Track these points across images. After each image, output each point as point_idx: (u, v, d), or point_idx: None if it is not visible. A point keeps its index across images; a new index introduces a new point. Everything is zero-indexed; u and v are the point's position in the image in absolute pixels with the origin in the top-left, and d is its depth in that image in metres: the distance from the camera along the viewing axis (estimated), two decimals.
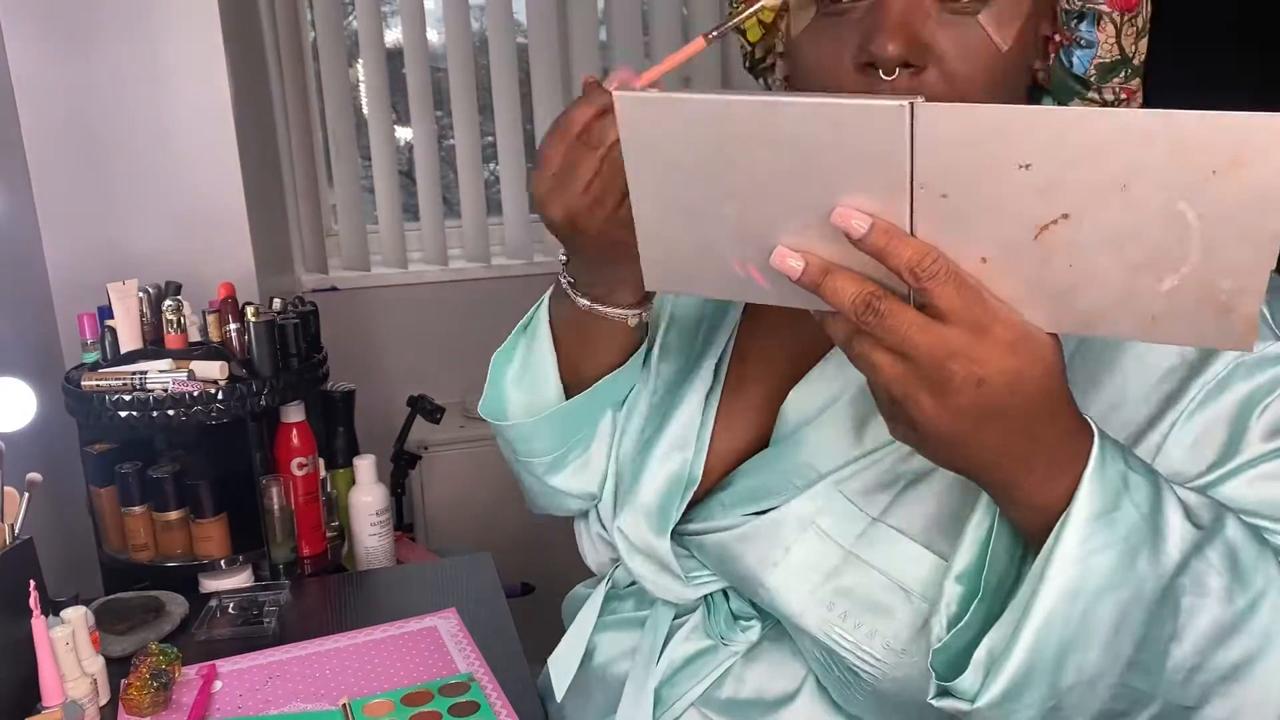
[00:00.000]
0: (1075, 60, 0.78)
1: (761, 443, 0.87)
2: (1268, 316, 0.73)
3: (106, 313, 1.39)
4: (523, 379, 0.94)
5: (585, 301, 0.86)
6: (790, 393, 0.85)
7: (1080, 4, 0.76)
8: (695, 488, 0.88)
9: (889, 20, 0.70)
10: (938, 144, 0.54)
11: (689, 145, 0.60)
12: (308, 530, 1.44)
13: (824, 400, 0.83)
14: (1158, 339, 0.58)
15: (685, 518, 0.88)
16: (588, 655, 0.99)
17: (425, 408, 2.14)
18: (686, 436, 0.89)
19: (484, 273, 2.49)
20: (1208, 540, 0.65)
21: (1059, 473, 0.63)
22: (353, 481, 1.49)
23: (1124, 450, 0.65)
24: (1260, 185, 0.51)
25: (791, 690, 0.86)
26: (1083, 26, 0.77)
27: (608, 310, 0.86)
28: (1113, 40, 0.78)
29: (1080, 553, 0.62)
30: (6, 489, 1.10)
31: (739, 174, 0.59)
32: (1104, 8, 0.76)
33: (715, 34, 0.78)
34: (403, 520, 2.15)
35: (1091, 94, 0.81)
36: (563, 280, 0.88)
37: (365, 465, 1.48)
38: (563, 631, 1.07)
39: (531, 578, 2.18)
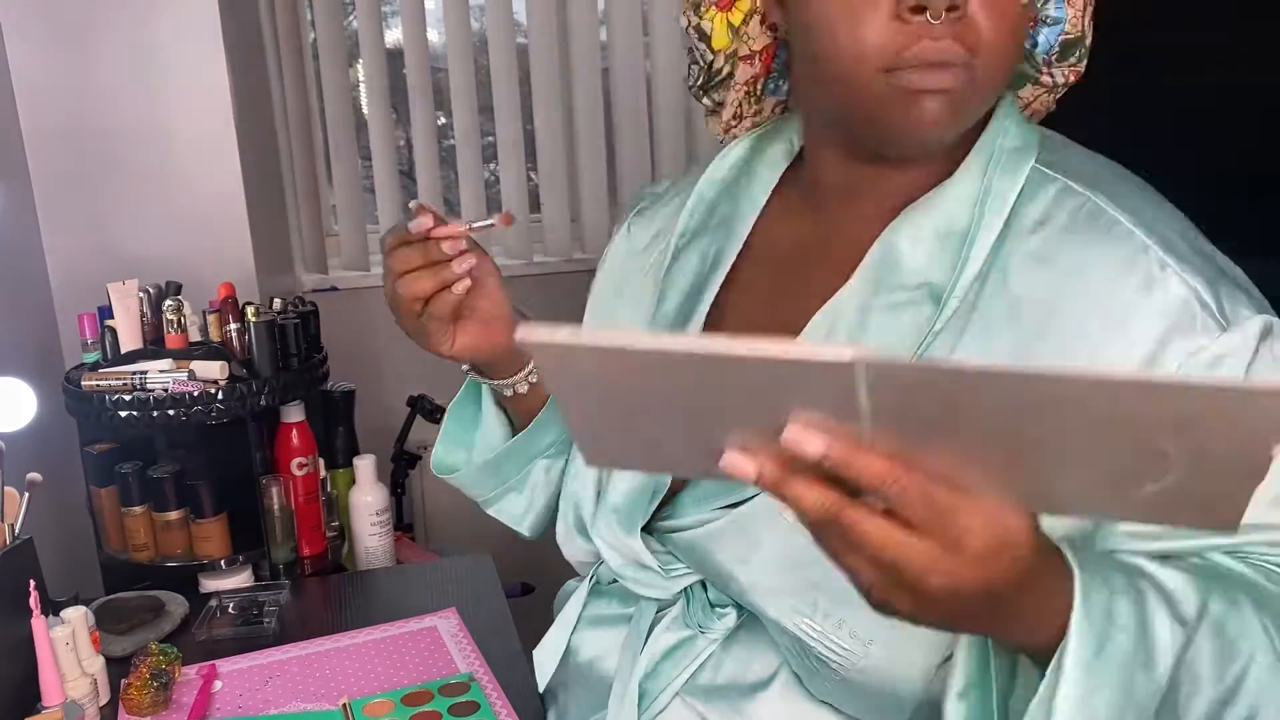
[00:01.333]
0: (1041, 38, 0.81)
1: None
2: (1212, 307, 0.73)
3: (106, 313, 1.39)
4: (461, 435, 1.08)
5: (470, 374, 1.02)
6: None
7: None
8: (664, 491, 0.90)
9: None
10: (892, 393, 0.50)
11: (616, 381, 0.55)
12: (308, 530, 1.44)
13: None
14: (1145, 523, 0.58)
15: (660, 514, 0.90)
16: (573, 652, 1.00)
17: (425, 408, 2.13)
18: None
19: None
20: (1195, 631, 0.66)
21: (1045, 623, 0.63)
22: (353, 481, 1.49)
23: (1105, 575, 0.65)
24: (1235, 441, 0.48)
25: (766, 676, 0.88)
26: (1051, 4, 0.80)
27: (488, 382, 1.00)
28: (1079, 15, 0.81)
29: (1079, 695, 0.62)
30: (6, 489, 1.10)
31: (675, 404, 0.55)
32: None
33: (471, 228, 0.89)
34: (402, 520, 2.15)
35: (1045, 77, 0.84)
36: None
37: (365, 465, 1.48)
38: None
39: (531, 578, 2.18)
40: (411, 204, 0.89)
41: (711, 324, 0.91)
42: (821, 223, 0.89)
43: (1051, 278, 0.76)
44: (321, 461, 1.47)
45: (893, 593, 0.58)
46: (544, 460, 1.05)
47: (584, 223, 2.55)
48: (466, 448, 1.07)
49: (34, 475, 1.13)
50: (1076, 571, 0.63)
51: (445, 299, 0.88)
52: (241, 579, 1.39)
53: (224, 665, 1.15)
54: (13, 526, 1.10)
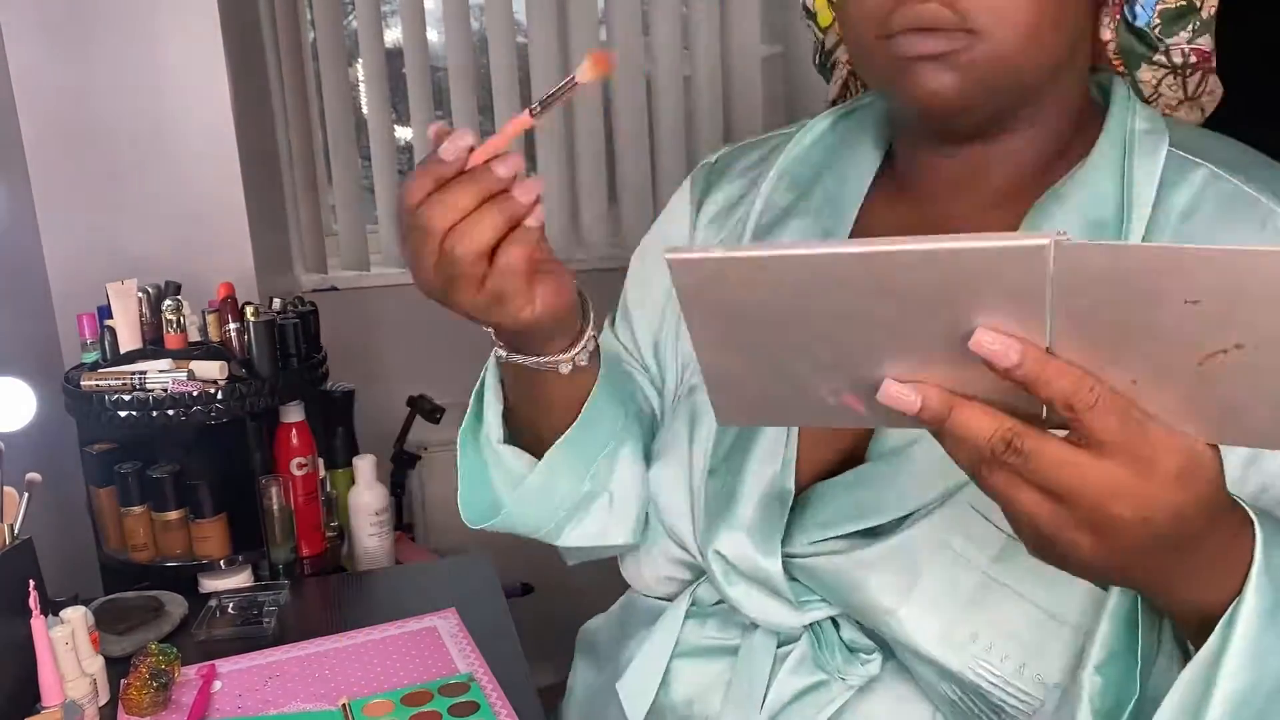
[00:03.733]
0: (1139, 11, 0.75)
1: (848, 454, 0.80)
2: None
3: (106, 312, 1.39)
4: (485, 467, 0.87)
5: (510, 356, 0.78)
6: None
7: None
8: (790, 502, 0.80)
9: None
10: (1083, 282, 0.48)
11: (765, 298, 0.52)
12: (307, 530, 1.44)
13: None
14: None
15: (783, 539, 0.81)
16: (664, 686, 0.87)
17: (425, 408, 2.13)
18: (774, 449, 0.82)
19: None
20: None
21: (1223, 576, 0.58)
22: (352, 481, 1.49)
23: None
24: None
25: None
26: None
27: (538, 361, 0.78)
28: None
29: (1253, 653, 0.58)
30: (6, 489, 1.10)
31: (830, 320, 0.52)
32: None
33: (540, 108, 0.68)
34: (402, 520, 2.15)
35: (1159, 57, 0.77)
36: (495, 340, 0.80)
37: (365, 465, 1.48)
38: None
39: (531, 578, 2.18)
40: (431, 129, 0.67)
41: None
42: (929, 214, 0.82)
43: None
44: (321, 461, 1.46)
45: (1068, 531, 0.53)
46: (604, 459, 0.86)
47: (583, 223, 2.55)
48: (491, 484, 0.87)
49: (33, 475, 1.13)
50: (1258, 523, 0.59)
51: (520, 241, 0.67)
52: (241, 579, 1.39)
53: (224, 665, 1.15)
54: (12, 527, 1.10)
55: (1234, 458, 0.68)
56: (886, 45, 0.72)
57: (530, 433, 0.85)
